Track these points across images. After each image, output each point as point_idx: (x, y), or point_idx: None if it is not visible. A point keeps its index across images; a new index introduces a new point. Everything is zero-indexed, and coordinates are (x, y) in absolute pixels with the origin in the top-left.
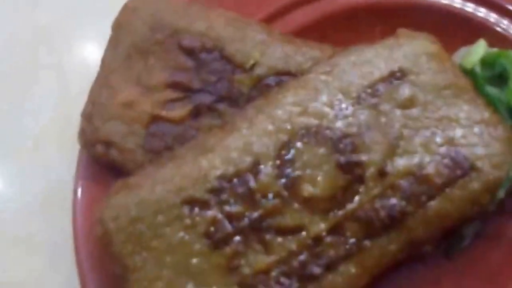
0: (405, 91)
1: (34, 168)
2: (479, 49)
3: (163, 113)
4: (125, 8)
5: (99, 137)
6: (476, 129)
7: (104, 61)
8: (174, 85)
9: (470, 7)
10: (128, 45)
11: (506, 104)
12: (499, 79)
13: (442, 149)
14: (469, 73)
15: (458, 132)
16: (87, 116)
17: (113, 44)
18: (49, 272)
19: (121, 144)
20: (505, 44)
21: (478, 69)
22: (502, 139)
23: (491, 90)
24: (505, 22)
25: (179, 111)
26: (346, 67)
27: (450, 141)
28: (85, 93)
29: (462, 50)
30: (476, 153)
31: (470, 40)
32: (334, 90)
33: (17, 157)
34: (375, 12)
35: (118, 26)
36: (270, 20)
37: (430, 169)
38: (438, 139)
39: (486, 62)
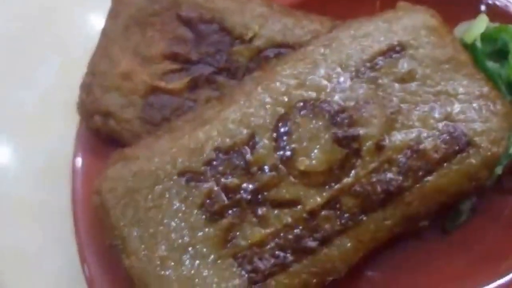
0: (404, 65)
1: (35, 139)
2: (480, 24)
3: (161, 84)
4: None
5: (97, 108)
6: (474, 104)
7: (104, 32)
8: (172, 57)
9: None
10: (127, 16)
11: (506, 79)
12: (500, 54)
13: (440, 124)
14: (469, 48)
15: (457, 107)
16: (86, 87)
17: (113, 15)
18: (49, 241)
19: (119, 115)
20: (506, 19)
21: (478, 44)
22: (500, 115)
23: (491, 65)
24: None
25: (177, 82)
26: (345, 41)
27: (448, 116)
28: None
29: (463, 25)
30: (475, 128)
31: (471, 14)
32: (333, 64)
33: (18, 127)
34: None
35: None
36: None
37: (427, 144)
38: (436, 114)
39: (486, 37)
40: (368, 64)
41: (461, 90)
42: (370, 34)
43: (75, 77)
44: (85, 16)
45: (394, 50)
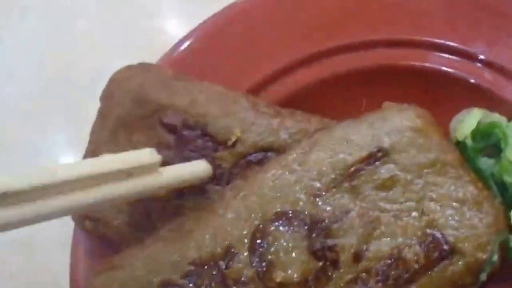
0: (386, 171)
1: None
2: (472, 120)
3: None
4: (111, 80)
5: (87, 213)
6: (460, 209)
7: (92, 132)
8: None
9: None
10: (115, 118)
11: (498, 177)
12: (494, 150)
13: (422, 232)
14: (461, 145)
15: (440, 213)
16: None
17: (102, 115)
18: None
19: (107, 221)
20: (502, 106)
21: (469, 141)
22: (488, 218)
23: (485, 161)
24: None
25: None
26: (325, 148)
27: (431, 223)
28: None
29: (462, 114)
30: (459, 234)
31: (469, 102)
32: (311, 173)
33: None
34: (366, 77)
35: (106, 98)
36: (257, 88)
37: (408, 253)
38: (418, 222)
39: (480, 132)
40: (347, 173)
41: (445, 194)
42: (351, 140)
43: None
44: None
45: (376, 157)
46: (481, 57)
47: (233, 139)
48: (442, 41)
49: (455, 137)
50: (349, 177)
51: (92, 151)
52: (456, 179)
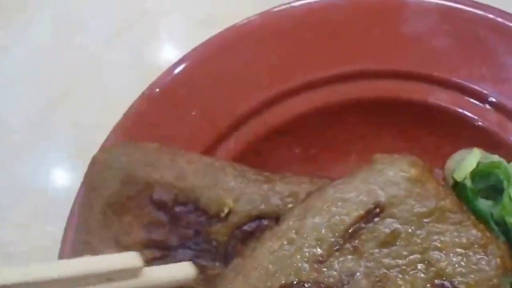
0: (385, 227)
1: None
2: (472, 160)
3: None
4: (93, 162)
5: None
6: (465, 254)
7: (80, 220)
8: (151, 244)
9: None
10: (102, 202)
11: (499, 218)
12: (493, 191)
13: (431, 284)
14: (459, 186)
15: (446, 261)
16: None
17: (87, 201)
18: None
19: None
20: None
21: (468, 182)
22: (494, 261)
23: (483, 202)
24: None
25: None
26: (320, 211)
27: (439, 273)
28: None
29: (457, 155)
30: (468, 280)
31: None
32: (310, 240)
33: None
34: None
35: (90, 182)
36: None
37: None
38: (424, 274)
39: (479, 173)
40: (347, 234)
41: (449, 241)
42: (346, 199)
43: None
44: None
45: (373, 213)
46: (488, 97)
47: (226, 210)
48: (447, 77)
49: (452, 178)
50: (349, 238)
51: (84, 239)
52: (457, 224)
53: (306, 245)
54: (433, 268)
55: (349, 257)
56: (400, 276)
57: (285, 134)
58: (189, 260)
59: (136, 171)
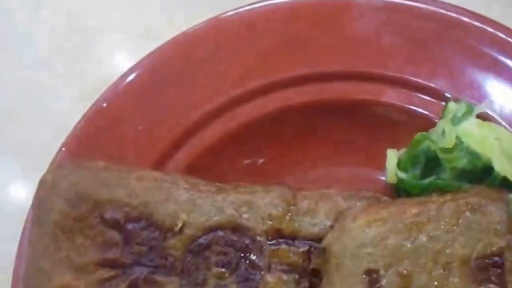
0: None
1: None
2: (391, 160)
3: None
4: (41, 184)
5: None
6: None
7: (31, 243)
8: (105, 263)
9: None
10: (52, 224)
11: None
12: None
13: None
14: (399, 182)
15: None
16: None
17: (37, 223)
18: None
19: None
20: None
21: (403, 175)
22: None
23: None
24: None
25: None
26: None
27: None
28: None
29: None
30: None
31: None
32: None
33: None
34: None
35: (38, 204)
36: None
37: None
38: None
39: (408, 162)
40: None
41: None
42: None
43: None
44: None
45: None
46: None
47: (180, 224)
48: (400, 75)
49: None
50: None
51: (35, 262)
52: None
53: None
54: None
55: None
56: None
57: (232, 144)
58: (146, 276)
59: (84, 190)
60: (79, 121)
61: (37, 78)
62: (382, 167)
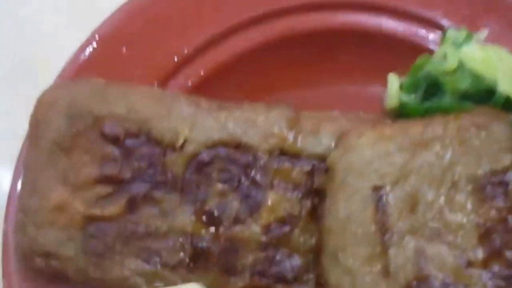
0: None
1: None
2: (393, 84)
3: (97, 211)
4: (39, 103)
5: (35, 249)
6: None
7: (26, 164)
8: (103, 179)
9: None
10: (49, 141)
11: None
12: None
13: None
14: (401, 107)
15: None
16: (21, 227)
17: (34, 142)
18: None
19: (60, 254)
20: None
21: (405, 97)
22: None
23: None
24: None
25: (113, 207)
26: None
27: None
28: None
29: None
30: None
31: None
32: None
33: None
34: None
35: (35, 123)
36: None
37: None
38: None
39: (410, 85)
40: None
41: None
42: None
43: None
44: None
45: None
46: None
47: (181, 139)
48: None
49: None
50: None
51: (31, 181)
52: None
53: None
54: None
55: None
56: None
57: (237, 67)
58: (145, 192)
59: (83, 106)
60: (80, 47)
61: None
62: (382, 94)
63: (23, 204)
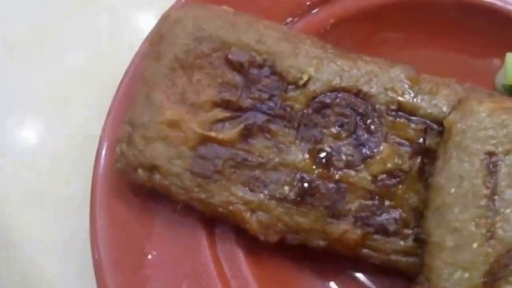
0: None
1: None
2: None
3: (212, 134)
4: (167, 19)
5: (141, 161)
6: None
7: (143, 77)
8: (222, 104)
9: None
10: (171, 58)
11: None
12: None
13: None
14: None
15: None
16: (126, 138)
17: (154, 57)
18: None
19: (166, 168)
20: None
21: None
22: None
23: None
24: None
25: (229, 131)
26: None
27: None
28: None
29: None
30: None
31: None
32: None
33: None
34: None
35: (160, 38)
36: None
37: None
38: None
39: None
40: None
41: None
42: None
43: None
44: None
45: None
46: None
47: (305, 78)
48: None
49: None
50: None
51: (145, 96)
52: None
53: None
54: None
55: None
56: None
57: (364, 20)
58: (262, 123)
59: (211, 30)
60: None
61: None
62: (495, 70)
63: (132, 116)
